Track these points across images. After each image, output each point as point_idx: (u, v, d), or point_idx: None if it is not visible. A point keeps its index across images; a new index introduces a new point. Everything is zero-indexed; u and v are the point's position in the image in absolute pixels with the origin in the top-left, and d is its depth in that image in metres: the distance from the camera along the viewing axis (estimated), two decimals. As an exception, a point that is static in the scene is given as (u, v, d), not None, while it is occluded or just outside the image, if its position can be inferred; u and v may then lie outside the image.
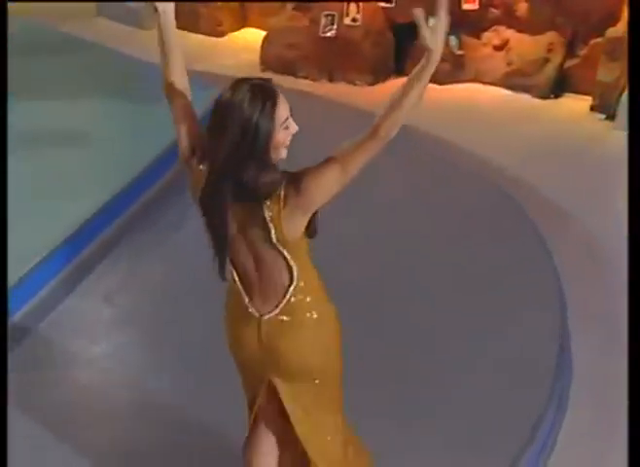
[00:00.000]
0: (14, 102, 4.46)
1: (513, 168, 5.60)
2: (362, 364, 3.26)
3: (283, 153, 2.26)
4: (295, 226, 2.26)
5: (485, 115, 6.52)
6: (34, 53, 6.26)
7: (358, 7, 6.94)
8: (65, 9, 8.06)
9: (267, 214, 2.23)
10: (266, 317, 2.39)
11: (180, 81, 2.40)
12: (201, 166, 2.27)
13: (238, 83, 2.19)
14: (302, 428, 2.49)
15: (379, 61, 7.01)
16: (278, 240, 2.27)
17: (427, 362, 3.60)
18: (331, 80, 7.01)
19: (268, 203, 2.22)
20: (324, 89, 6.88)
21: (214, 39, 7.82)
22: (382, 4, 6.95)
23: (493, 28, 6.93)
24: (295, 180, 2.21)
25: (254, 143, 2.16)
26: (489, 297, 4.02)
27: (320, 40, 6.98)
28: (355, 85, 6.96)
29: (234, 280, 2.39)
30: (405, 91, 2.19)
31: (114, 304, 4.07)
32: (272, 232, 2.25)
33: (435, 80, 6.64)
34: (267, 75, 7.01)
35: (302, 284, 2.35)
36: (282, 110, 2.21)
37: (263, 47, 7.22)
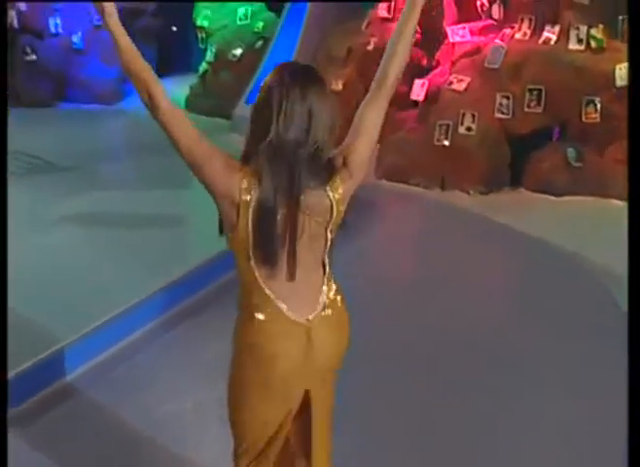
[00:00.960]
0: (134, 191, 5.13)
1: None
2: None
3: None
4: (343, 210, 2.23)
5: (606, 228, 6.23)
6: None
7: (473, 117, 6.84)
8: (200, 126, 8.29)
9: (333, 197, 2.20)
10: (311, 317, 2.29)
11: (164, 95, 2.18)
12: (247, 168, 2.17)
13: (295, 71, 2.18)
14: (318, 441, 2.44)
15: (493, 172, 6.85)
16: (334, 226, 2.23)
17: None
18: (443, 188, 6.87)
19: (329, 187, 2.20)
20: (436, 196, 6.76)
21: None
22: (499, 115, 6.84)
23: (616, 142, 6.70)
24: (343, 162, 2.21)
25: (322, 124, 2.16)
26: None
27: (434, 148, 6.89)
28: (468, 194, 6.79)
29: (266, 294, 2.26)
30: (397, 39, 2.32)
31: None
32: (334, 216, 2.21)
33: (552, 191, 6.58)
34: (381, 183, 6.96)
35: (328, 270, 2.33)
36: None
37: (378, 156, 7.20)
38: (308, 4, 8.11)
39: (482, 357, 4.15)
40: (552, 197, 6.63)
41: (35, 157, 6.54)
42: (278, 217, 2.16)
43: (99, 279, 4.50)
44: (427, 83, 7.21)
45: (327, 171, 2.19)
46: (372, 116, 2.34)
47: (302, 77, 2.18)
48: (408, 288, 5.13)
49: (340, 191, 2.21)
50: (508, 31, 7.10)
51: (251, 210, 2.16)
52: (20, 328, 3.98)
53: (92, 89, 8.83)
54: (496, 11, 7.26)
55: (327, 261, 2.31)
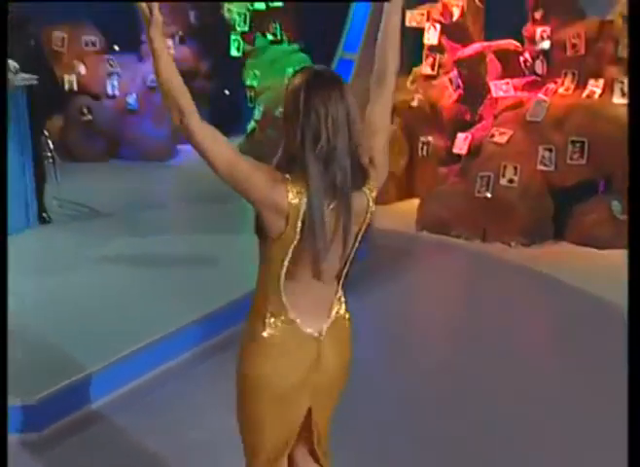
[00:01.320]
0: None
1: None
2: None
3: None
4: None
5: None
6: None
7: (515, 169, 6.84)
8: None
9: (370, 197, 2.29)
10: (325, 328, 2.33)
11: (197, 117, 2.17)
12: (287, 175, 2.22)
13: (327, 75, 2.25)
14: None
15: (536, 224, 6.80)
16: (364, 230, 2.30)
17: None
18: (484, 240, 6.83)
19: (366, 187, 2.28)
20: (477, 247, 6.73)
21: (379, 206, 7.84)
22: (542, 168, 6.82)
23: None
24: (370, 162, 2.29)
25: (358, 125, 2.23)
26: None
27: (475, 200, 6.88)
28: (509, 245, 6.73)
29: (284, 306, 2.29)
30: (383, 39, 2.47)
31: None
32: (368, 217, 2.29)
33: (595, 244, 6.49)
34: (422, 235, 6.96)
35: (342, 282, 2.36)
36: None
37: (419, 208, 7.21)
38: (354, 64, 8.26)
39: (526, 408, 4.08)
40: (596, 250, 6.53)
41: (82, 205, 6.72)
42: (327, 219, 2.21)
43: (136, 311, 4.65)
44: (470, 137, 7.25)
45: (364, 172, 2.27)
46: (380, 113, 2.40)
47: (336, 81, 2.24)
48: (446, 336, 5.08)
49: (374, 191, 2.30)
50: (551, 86, 7.13)
51: (301, 214, 2.20)
52: (56, 353, 4.08)
53: (144, 147, 9.06)
54: (539, 66, 7.31)
55: (344, 272, 2.35)
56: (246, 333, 2.38)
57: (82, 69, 9.55)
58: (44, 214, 6.27)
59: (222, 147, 2.19)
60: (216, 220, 6.39)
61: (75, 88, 9.44)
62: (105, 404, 4.00)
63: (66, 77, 9.39)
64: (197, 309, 4.62)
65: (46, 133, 6.67)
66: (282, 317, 2.31)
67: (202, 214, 6.78)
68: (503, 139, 6.96)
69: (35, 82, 5.97)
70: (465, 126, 7.46)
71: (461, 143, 7.28)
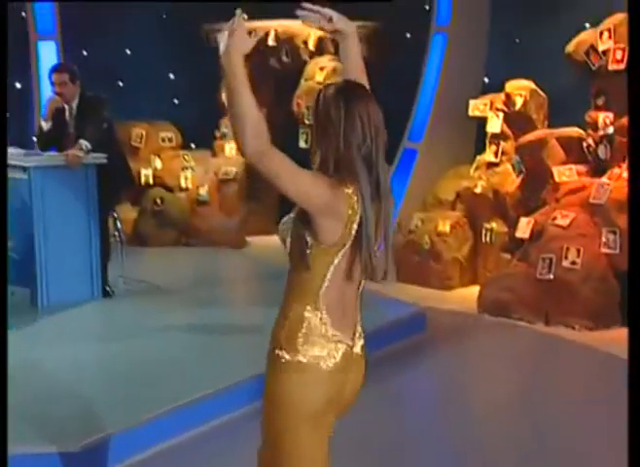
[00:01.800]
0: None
1: None
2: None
3: None
4: None
5: None
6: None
7: (578, 251, 6.75)
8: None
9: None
10: (360, 342, 2.41)
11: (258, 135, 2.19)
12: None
13: (359, 85, 2.44)
14: None
15: (601, 308, 6.65)
16: None
17: None
18: (547, 323, 6.69)
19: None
20: (540, 329, 6.59)
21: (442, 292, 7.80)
22: (606, 250, 6.72)
23: None
24: None
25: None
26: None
27: (537, 282, 6.78)
28: (574, 329, 6.57)
29: (324, 321, 2.32)
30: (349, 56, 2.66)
31: None
32: None
33: None
34: (483, 317, 6.86)
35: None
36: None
37: (480, 290, 7.15)
38: (417, 154, 8.40)
39: None
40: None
41: (143, 281, 6.88)
42: (374, 221, 2.30)
43: (188, 371, 4.83)
44: (532, 221, 7.22)
45: None
46: None
47: (366, 89, 2.46)
48: (501, 417, 4.93)
49: None
50: (616, 171, 7.10)
51: (357, 217, 2.28)
52: (110, 406, 4.19)
53: (214, 236, 9.27)
54: (603, 151, 7.30)
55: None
56: (282, 364, 2.32)
57: (157, 163, 9.94)
58: (107, 288, 6.45)
59: (286, 162, 2.23)
60: (276, 295, 6.44)
61: (150, 181, 9.81)
62: (154, 456, 4.03)
63: (143, 171, 9.77)
64: (247, 370, 4.65)
65: (115, 214, 6.92)
66: (323, 334, 2.31)
67: (262, 290, 6.87)
68: (565, 221, 6.91)
69: (105, 160, 6.25)
70: (528, 212, 7.44)
71: (524, 227, 7.24)
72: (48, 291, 6.17)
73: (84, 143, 6.11)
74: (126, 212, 9.33)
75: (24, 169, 6.14)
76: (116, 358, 5.10)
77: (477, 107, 7.99)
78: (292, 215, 2.35)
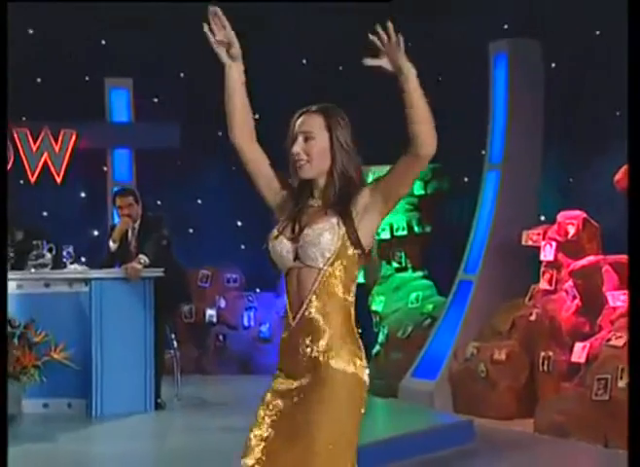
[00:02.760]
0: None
1: None
2: None
3: (294, 170, 2.66)
4: None
5: None
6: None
7: (635, 372, 6.61)
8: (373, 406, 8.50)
9: None
10: None
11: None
12: None
13: None
14: None
15: (662, 429, 6.40)
16: None
17: None
18: (606, 445, 6.46)
19: None
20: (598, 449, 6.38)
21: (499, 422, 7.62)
22: None
23: None
24: None
25: None
26: None
27: (593, 404, 6.62)
28: (633, 451, 6.32)
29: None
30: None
31: None
32: None
33: None
34: (541, 438, 6.69)
35: None
36: (294, 124, 2.64)
37: (536, 413, 7.00)
38: (473, 286, 8.48)
39: None
40: None
41: (198, 398, 6.97)
42: None
43: None
44: (588, 345, 7.13)
45: None
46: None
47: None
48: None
49: None
50: (671, 295, 7.04)
51: None
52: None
53: (274, 372, 9.34)
54: (657, 276, 7.26)
55: None
56: (347, 384, 2.55)
57: (222, 303, 10.22)
58: (159, 400, 6.56)
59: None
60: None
61: (214, 320, 10.06)
62: None
63: (208, 311, 10.06)
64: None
65: (172, 335, 7.13)
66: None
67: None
68: (620, 342, 6.80)
69: (162, 274, 6.53)
70: (585, 338, 7.36)
71: (579, 352, 7.15)
72: (102, 402, 6.31)
73: (143, 257, 6.43)
74: (189, 351, 9.54)
75: (86, 282, 6.46)
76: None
77: (530, 237, 8.11)
78: None
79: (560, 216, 8.01)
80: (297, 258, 2.59)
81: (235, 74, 2.59)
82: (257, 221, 11.11)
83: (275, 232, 2.62)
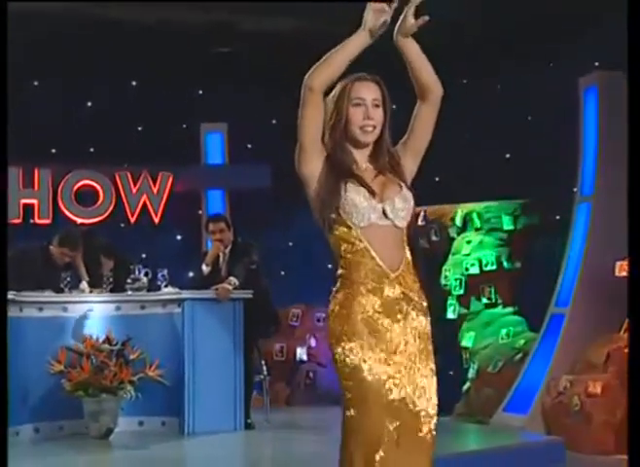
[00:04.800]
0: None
1: None
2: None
3: (359, 134, 2.74)
4: None
5: None
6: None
7: None
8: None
9: None
10: None
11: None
12: None
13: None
14: None
15: None
16: None
17: None
18: None
19: None
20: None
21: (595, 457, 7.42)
22: None
23: None
24: None
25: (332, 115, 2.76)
26: None
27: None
28: None
29: None
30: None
31: None
32: None
33: None
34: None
35: None
36: (357, 89, 2.72)
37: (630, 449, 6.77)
38: (565, 319, 8.35)
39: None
40: None
41: (288, 423, 7.01)
42: None
43: None
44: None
45: None
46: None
47: None
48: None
49: None
50: None
51: None
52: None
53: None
54: None
55: None
56: None
57: (312, 342, 10.30)
58: (249, 420, 6.64)
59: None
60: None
61: (304, 358, 10.14)
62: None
63: (298, 350, 10.15)
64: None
65: (261, 361, 7.24)
66: None
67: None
68: None
69: (251, 296, 6.69)
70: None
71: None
72: (194, 420, 6.44)
73: (233, 279, 6.61)
74: (279, 388, 9.63)
75: (179, 304, 6.66)
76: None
77: (623, 268, 7.97)
78: None
79: (654, 246, 7.86)
80: (383, 216, 2.78)
81: (360, 43, 2.67)
82: (347, 263, 11.33)
83: (351, 186, 2.72)
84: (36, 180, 10.10)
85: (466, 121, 9.99)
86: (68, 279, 6.82)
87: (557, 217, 9.78)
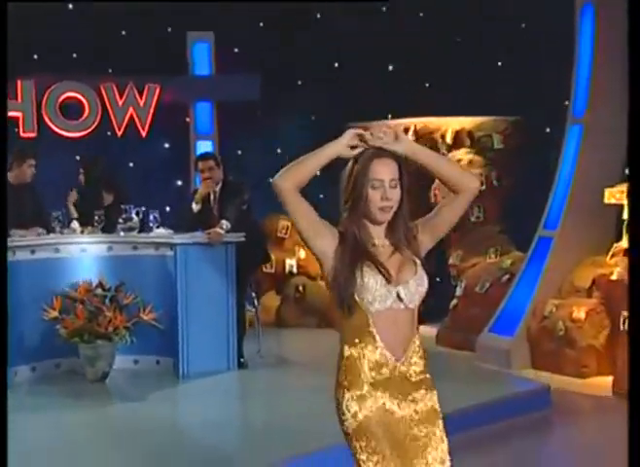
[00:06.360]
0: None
1: None
2: None
3: (377, 214, 2.74)
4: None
5: None
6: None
7: None
8: (448, 360, 8.51)
9: None
10: None
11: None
12: None
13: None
14: None
15: None
16: None
17: None
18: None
19: None
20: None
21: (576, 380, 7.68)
22: None
23: None
24: None
25: (351, 194, 2.77)
26: None
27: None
28: None
29: None
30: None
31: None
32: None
33: None
34: (617, 401, 6.72)
35: None
36: (376, 171, 2.71)
37: (614, 373, 7.02)
38: (553, 242, 8.44)
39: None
40: None
41: (279, 356, 7.19)
42: None
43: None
44: (669, 307, 7.07)
45: None
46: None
47: None
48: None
49: None
50: None
51: None
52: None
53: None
54: None
55: None
56: None
57: (301, 254, 10.40)
58: (242, 359, 6.82)
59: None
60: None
61: (294, 270, 10.26)
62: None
63: (287, 261, 10.25)
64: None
65: (253, 293, 7.35)
66: None
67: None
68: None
69: (243, 239, 6.73)
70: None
71: (660, 313, 7.10)
72: (188, 361, 6.60)
73: (225, 223, 6.62)
74: (270, 300, 9.80)
75: (171, 247, 6.69)
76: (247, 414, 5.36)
77: (613, 195, 8.00)
78: None
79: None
80: (397, 300, 2.77)
81: (334, 154, 2.78)
82: (335, 172, 11.32)
83: (367, 269, 2.73)
84: (19, 91, 9.88)
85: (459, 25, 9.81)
86: (59, 218, 6.80)
87: (548, 130, 9.73)
